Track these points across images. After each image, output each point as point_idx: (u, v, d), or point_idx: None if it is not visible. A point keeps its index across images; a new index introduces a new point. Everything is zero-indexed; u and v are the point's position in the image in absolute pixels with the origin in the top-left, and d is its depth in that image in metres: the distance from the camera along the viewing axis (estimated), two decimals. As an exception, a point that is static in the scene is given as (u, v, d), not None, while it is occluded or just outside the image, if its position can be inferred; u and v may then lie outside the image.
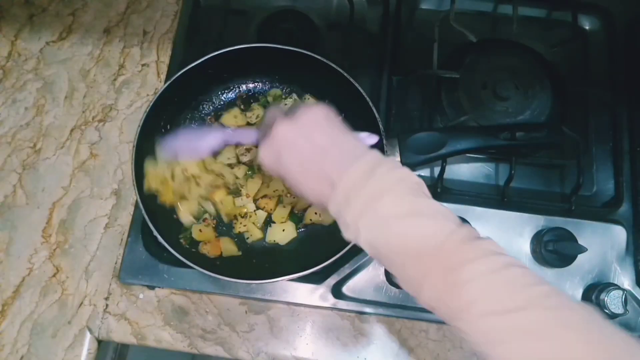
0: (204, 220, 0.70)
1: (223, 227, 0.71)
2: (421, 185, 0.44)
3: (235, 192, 0.71)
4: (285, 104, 0.76)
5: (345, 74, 0.67)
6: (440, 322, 0.68)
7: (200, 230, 0.68)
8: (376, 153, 0.46)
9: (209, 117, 0.76)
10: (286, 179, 0.49)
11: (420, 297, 0.42)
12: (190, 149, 0.61)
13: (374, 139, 0.52)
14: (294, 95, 0.76)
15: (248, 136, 0.58)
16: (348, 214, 0.44)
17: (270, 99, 0.76)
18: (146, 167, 0.64)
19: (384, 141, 0.65)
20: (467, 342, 0.65)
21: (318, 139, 0.46)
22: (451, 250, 0.40)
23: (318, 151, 0.46)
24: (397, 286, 0.67)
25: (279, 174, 0.49)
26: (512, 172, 0.70)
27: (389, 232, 0.42)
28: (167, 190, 0.65)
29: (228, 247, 0.69)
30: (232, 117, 0.75)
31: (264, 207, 0.70)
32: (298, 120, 0.47)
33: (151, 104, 0.67)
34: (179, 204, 0.68)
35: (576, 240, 0.67)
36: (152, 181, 0.64)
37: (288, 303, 0.69)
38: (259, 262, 0.69)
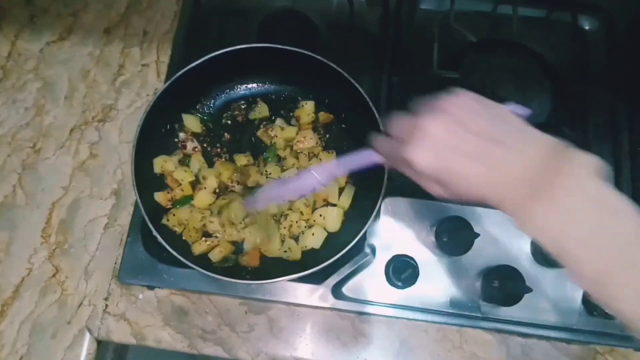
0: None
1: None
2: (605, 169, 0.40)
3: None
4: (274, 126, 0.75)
5: (345, 74, 0.68)
6: (441, 322, 0.68)
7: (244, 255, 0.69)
8: (543, 137, 0.41)
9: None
10: (451, 174, 0.42)
11: (611, 293, 0.38)
12: (279, 195, 0.59)
13: (524, 110, 0.46)
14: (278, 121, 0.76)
15: (362, 159, 0.50)
16: (533, 207, 0.39)
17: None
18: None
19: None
20: (467, 342, 0.65)
21: (481, 126, 0.41)
22: None
23: (484, 140, 0.40)
24: (397, 286, 0.67)
25: (440, 172, 0.42)
26: (512, 172, 0.70)
27: (586, 224, 0.38)
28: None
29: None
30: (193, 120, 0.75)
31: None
32: (446, 111, 0.42)
33: (151, 104, 0.67)
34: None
35: (576, 240, 0.67)
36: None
37: (288, 303, 0.68)
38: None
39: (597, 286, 0.39)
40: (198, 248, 0.67)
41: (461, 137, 0.41)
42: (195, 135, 0.74)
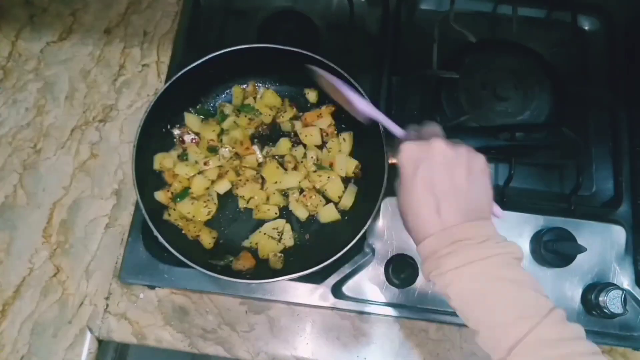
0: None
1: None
2: (522, 260, 0.47)
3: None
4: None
5: (345, 74, 0.68)
6: (440, 322, 0.68)
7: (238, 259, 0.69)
8: (494, 225, 0.47)
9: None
10: (403, 184, 0.48)
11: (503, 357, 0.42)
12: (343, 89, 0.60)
13: (500, 212, 0.52)
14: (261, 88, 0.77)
15: (395, 129, 0.56)
16: (451, 259, 0.44)
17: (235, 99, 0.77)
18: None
19: (384, 141, 0.66)
20: (467, 342, 0.66)
21: (461, 178, 0.47)
22: (550, 325, 0.42)
23: (453, 188, 0.46)
24: (397, 286, 0.68)
25: (404, 174, 0.48)
26: (512, 172, 0.70)
27: (493, 290, 0.44)
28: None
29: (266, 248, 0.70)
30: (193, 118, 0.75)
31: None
32: (458, 151, 0.48)
33: (151, 104, 0.67)
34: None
35: (575, 240, 0.67)
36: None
37: (288, 303, 0.69)
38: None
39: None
40: (206, 240, 0.68)
41: (444, 171, 0.47)
42: (195, 134, 0.75)
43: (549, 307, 0.43)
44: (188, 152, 0.72)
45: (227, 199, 0.72)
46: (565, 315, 0.43)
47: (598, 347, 0.42)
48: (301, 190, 0.72)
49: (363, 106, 0.58)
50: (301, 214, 0.71)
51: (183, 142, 0.73)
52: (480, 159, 0.49)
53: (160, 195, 0.69)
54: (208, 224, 0.71)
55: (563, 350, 0.41)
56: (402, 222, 0.50)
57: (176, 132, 0.74)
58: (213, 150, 0.72)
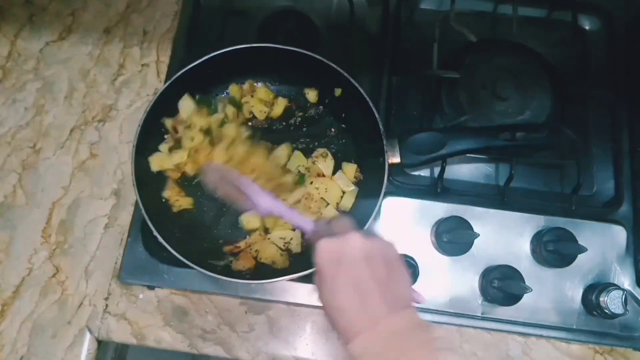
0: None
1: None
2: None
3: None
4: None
5: (345, 74, 0.68)
6: (439, 322, 0.68)
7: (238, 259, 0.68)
8: (414, 310, 0.47)
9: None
10: (325, 284, 0.47)
11: None
12: (236, 193, 0.59)
13: (421, 298, 0.51)
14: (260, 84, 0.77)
15: (304, 223, 0.54)
16: (385, 354, 0.44)
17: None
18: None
19: (384, 141, 0.66)
20: (467, 342, 0.66)
21: (381, 270, 0.46)
22: None
23: (375, 281, 0.46)
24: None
25: (325, 274, 0.47)
26: (512, 172, 0.70)
27: None
28: None
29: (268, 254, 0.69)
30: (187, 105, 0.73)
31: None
32: (374, 243, 0.47)
33: (151, 103, 0.67)
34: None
35: (576, 241, 0.67)
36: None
37: (288, 303, 0.69)
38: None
39: None
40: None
41: (363, 267, 0.46)
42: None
43: None
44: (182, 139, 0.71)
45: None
46: None
47: None
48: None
49: (264, 202, 0.56)
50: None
51: (177, 131, 0.71)
52: (393, 248, 0.49)
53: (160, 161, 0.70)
54: (210, 223, 0.71)
55: None
56: (328, 321, 0.48)
57: (168, 121, 0.72)
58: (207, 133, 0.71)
